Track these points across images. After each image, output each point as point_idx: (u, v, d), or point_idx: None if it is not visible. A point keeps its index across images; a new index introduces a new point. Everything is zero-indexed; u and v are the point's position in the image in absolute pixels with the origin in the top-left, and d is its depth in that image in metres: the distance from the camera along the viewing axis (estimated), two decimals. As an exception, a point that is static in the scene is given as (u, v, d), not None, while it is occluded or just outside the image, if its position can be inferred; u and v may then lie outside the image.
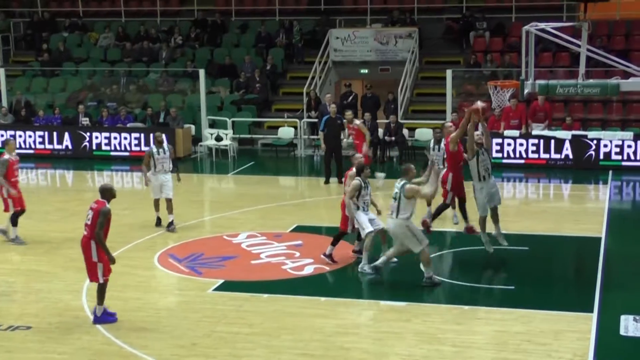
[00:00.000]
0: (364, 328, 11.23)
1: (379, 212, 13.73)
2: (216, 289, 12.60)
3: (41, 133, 24.92)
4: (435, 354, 10.10)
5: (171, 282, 13.19)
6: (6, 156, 15.17)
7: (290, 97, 27.36)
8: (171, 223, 16.02)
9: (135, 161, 22.51)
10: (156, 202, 16.27)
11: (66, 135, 24.70)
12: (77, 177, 22.73)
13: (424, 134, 24.10)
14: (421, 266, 12.86)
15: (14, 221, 15.17)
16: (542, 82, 13.19)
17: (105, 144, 24.52)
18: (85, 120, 25.23)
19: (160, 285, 13.13)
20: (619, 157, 21.69)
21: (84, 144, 24.61)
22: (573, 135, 22.09)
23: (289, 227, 16.17)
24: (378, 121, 24.36)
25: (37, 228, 16.22)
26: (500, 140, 22.24)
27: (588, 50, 13.09)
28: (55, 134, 24.82)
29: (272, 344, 10.42)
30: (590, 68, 14.32)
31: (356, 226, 13.37)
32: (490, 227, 13.90)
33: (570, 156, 21.98)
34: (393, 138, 23.64)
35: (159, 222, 16.24)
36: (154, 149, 16.23)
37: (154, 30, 30.04)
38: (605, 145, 21.77)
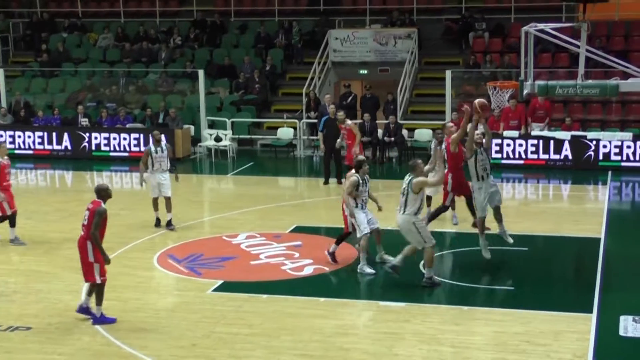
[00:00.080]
0: (363, 328, 11.24)
1: (379, 209, 13.75)
2: (215, 290, 12.60)
3: (40, 133, 24.92)
4: (435, 355, 10.11)
5: (170, 282, 13.19)
6: None
7: (289, 98, 27.36)
8: (170, 222, 16.05)
9: (134, 162, 22.47)
10: (155, 201, 16.28)
11: (65, 135, 24.70)
12: (76, 177, 22.74)
13: (423, 134, 24.13)
14: (420, 266, 12.87)
15: (11, 223, 15.16)
16: (542, 82, 13.20)
17: (105, 145, 24.52)
18: (84, 121, 25.23)
19: (160, 286, 13.13)
20: (618, 158, 21.70)
21: (83, 144, 24.61)
22: (572, 136, 22.10)
23: (288, 228, 16.17)
24: (377, 122, 24.38)
25: (36, 228, 16.23)
26: (499, 141, 22.25)
27: (587, 50, 13.09)
28: (54, 134, 24.82)
29: (272, 345, 10.43)
30: (589, 69, 14.35)
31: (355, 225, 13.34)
32: (494, 228, 13.88)
33: (570, 157, 21.99)
34: (392, 139, 23.66)
35: (158, 223, 16.24)
36: (152, 148, 16.24)
37: (153, 31, 30.04)
38: (605, 146, 21.79)
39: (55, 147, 24.81)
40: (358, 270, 13.18)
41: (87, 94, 27.81)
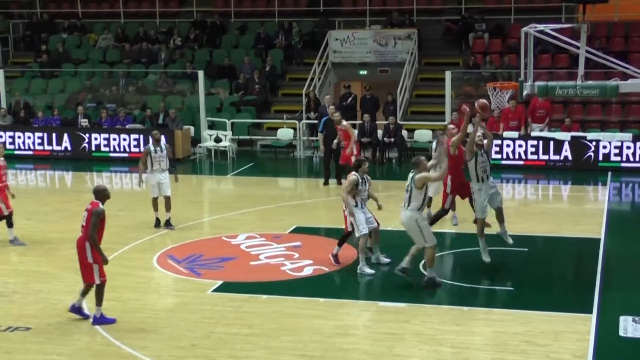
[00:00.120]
0: (363, 329, 11.24)
1: (379, 207, 13.76)
2: (215, 290, 12.59)
3: (40, 134, 24.92)
4: (435, 355, 10.10)
5: (170, 283, 13.18)
6: None
7: (289, 99, 27.37)
8: (169, 221, 16.07)
9: (134, 162, 22.43)
10: (154, 201, 16.28)
11: (65, 136, 24.70)
12: (76, 178, 22.74)
13: (423, 135, 24.13)
14: (420, 267, 12.87)
15: (9, 223, 15.15)
16: (541, 83, 13.20)
17: (105, 145, 24.52)
18: (84, 122, 25.23)
19: (160, 286, 13.13)
20: (618, 159, 21.70)
21: (83, 145, 24.61)
22: (572, 137, 22.11)
23: (288, 228, 16.16)
24: (377, 122, 24.38)
25: (36, 229, 16.24)
26: (499, 142, 22.24)
27: (587, 51, 13.09)
28: (54, 135, 24.81)
29: (271, 345, 10.42)
30: (589, 69, 14.36)
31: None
32: (495, 227, 13.88)
33: (570, 157, 21.99)
34: (392, 139, 23.66)
35: (157, 223, 16.25)
36: (152, 147, 16.24)
37: (153, 32, 30.05)
38: (605, 147, 21.79)
39: (55, 147, 24.81)
40: (358, 271, 13.19)
41: (87, 95, 27.81)
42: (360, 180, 13.16)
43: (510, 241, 13.76)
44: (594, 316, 11.27)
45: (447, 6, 29.24)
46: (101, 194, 11.18)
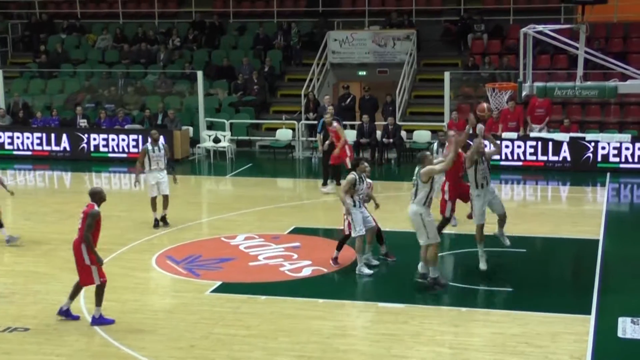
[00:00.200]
0: (362, 330, 11.24)
1: (377, 206, 13.75)
2: (214, 291, 12.59)
3: (39, 135, 24.90)
4: (433, 356, 10.10)
5: (169, 283, 13.17)
6: None
7: (288, 99, 27.37)
8: (164, 217, 16.09)
9: (133, 163, 22.41)
10: (153, 201, 16.28)
11: (64, 136, 24.68)
12: (75, 178, 22.72)
13: (422, 136, 24.13)
14: (419, 267, 12.81)
15: None
16: (540, 84, 13.19)
17: (103, 146, 24.51)
18: (83, 122, 25.22)
19: (158, 287, 13.13)
20: (617, 160, 21.69)
21: (82, 145, 24.60)
22: (571, 138, 22.10)
23: (286, 229, 16.16)
24: (376, 123, 24.37)
25: (35, 229, 16.22)
26: (498, 143, 22.18)
27: (586, 52, 13.09)
28: (53, 135, 24.79)
29: (270, 346, 10.42)
30: (588, 70, 14.35)
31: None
32: (492, 228, 13.84)
33: (568, 158, 21.99)
34: (391, 140, 23.65)
35: (156, 224, 16.24)
36: (150, 147, 16.24)
37: (152, 32, 30.03)
38: (603, 148, 21.79)
39: (54, 148, 24.80)
40: (356, 272, 13.18)
41: (85, 95, 27.80)
42: (358, 180, 13.16)
43: (508, 243, 13.73)
44: (592, 317, 11.27)
45: (446, 7, 29.24)
46: (97, 196, 11.19)
